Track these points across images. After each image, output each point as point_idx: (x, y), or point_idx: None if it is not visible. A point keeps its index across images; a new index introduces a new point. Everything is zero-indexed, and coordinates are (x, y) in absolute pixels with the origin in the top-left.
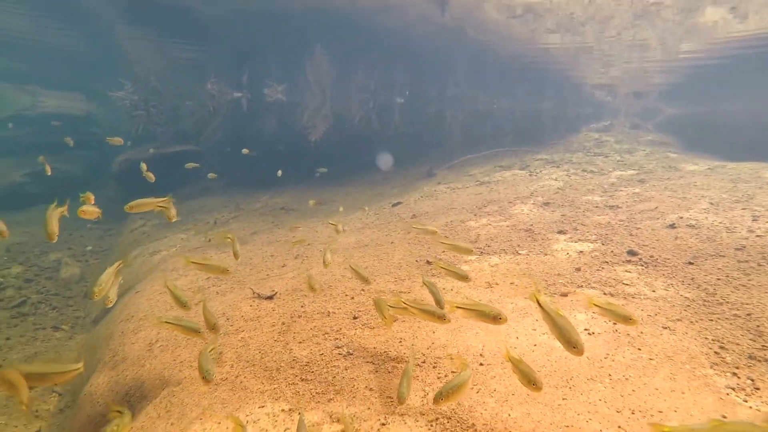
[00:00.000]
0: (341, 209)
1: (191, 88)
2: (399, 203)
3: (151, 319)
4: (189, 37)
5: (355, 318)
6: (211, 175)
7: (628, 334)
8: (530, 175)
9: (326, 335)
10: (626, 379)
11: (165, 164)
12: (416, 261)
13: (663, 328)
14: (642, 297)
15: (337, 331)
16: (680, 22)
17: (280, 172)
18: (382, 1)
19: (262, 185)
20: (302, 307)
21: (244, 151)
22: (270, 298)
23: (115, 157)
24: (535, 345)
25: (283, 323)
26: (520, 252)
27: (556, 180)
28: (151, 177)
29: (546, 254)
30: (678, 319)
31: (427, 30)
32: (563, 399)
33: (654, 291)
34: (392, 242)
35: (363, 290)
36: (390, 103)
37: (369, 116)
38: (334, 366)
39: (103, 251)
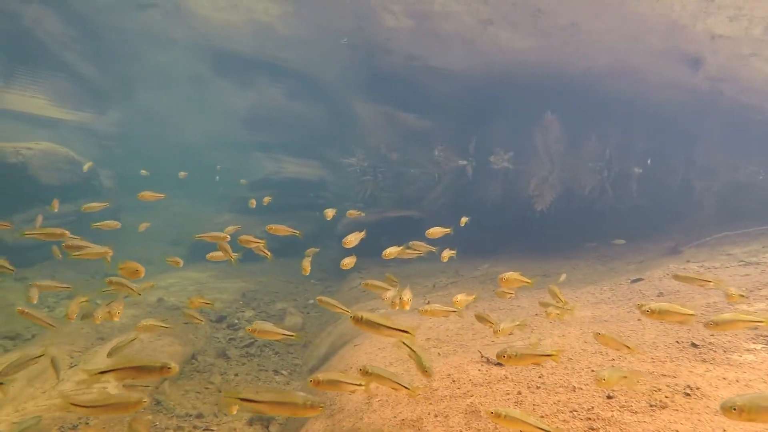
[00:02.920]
0: (563, 277)
1: (416, 157)
2: (639, 279)
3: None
4: (418, 108)
5: (609, 398)
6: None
7: None
8: None
9: (574, 413)
10: None
11: (387, 228)
12: (676, 342)
13: None
14: None
15: (589, 410)
16: None
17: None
18: (620, 64)
19: (481, 253)
20: (540, 377)
21: (463, 220)
22: (500, 364)
23: (341, 219)
24: None
25: (519, 393)
26: None
27: None
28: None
29: None
30: None
31: (672, 93)
32: None
33: None
34: (639, 319)
35: (613, 366)
36: (626, 173)
37: (602, 186)
38: None
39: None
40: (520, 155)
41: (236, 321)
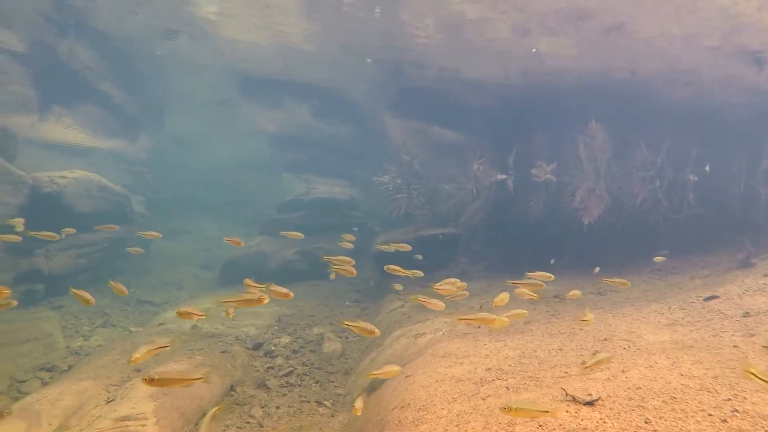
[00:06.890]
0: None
1: (451, 172)
2: (714, 297)
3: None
4: (452, 122)
5: None
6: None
7: None
8: None
9: None
10: None
11: (423, 246)
12: None
13: None
14: None
15: None
16: None
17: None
18: (670, 67)
19: (524, 271)
20: (647, 423)
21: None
22: (590, 404)
23: (375, 238)
24: None
25: None
26: None
27: None
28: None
29: None
30: None
31: (731, 95)
32: None
33: None
34: (735, 346)
35: (736, 412)
36: (681, 181)
37: (655, 196)
38: None
39: None
40: (564, 167)
41: (273, 348)
